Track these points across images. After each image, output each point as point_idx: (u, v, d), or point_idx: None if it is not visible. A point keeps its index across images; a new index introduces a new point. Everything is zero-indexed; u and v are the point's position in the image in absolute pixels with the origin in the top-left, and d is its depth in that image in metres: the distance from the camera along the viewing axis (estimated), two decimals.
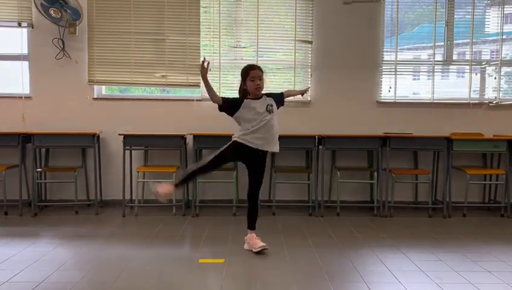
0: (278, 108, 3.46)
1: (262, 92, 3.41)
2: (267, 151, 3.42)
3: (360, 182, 4.96)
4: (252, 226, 3.48)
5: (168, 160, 4.87)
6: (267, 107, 3.36)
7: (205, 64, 3.23)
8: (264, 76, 3.40)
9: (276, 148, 3.42)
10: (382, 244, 3.62)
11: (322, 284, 2.76)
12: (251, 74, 3.33)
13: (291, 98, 3.80)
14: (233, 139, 3.40)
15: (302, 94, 3.76)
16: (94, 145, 4.61)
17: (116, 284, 2.73)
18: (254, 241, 3.38)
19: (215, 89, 4.94)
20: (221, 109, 3.39)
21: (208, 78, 3.29)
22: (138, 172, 4.67)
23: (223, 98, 3.40)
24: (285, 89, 3.83)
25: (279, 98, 3.51)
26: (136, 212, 4.62)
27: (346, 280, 2.85)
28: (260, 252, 3.30)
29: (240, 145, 3.35)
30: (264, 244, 3.33)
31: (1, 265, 3.04)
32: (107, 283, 2.74)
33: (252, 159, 3.43)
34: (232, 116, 3.39)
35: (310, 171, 4.70)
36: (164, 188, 3.41)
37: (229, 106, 3.37)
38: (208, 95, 3.39)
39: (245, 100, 3.36)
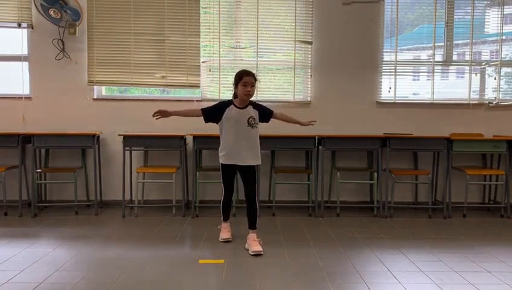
0: (261, 121, 3.50)
1: (252, 99, 3.48)
2: (248, 166, 3.46)
3: (360, 183, 4.96)
4: (252, 226, 3.50)
5: (168, 161, 4.88)
6: (248, 120, 3.40)
7: (158, 115, 3.41)
8: (256, 84, 3.45)
9: (253, 161, 3.46)
10: (382, 244, 3.62)
11: (322, 284, 2.76)
12: (244, 79, 3.37)
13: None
14: (220, 162, 3.54)
15: (303, 124, 3.72)
16: (94, 146, 4.60)
17: (116, 285, 2.73)
18: (251, 242, 3.40)
19: (213, 89, 5.01)
20: (206, 119, 3.48)
21: (173, 112, 3.47)
22: (138, 173, 4.67)
23: (204, 110, 3.46)
24: (279, 112, 3.67)
25: (265, 116, 3.54)
26: (135, 213, 4.62)
27: (346, 280, 2.85)
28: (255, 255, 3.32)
29: (224, 165, 3.50)
30: (259, 249, 3.32)
31: (1, 266, 3.04)
32: (107, 283, 2.74)
33: (240, 172, 3.54)
34: (217, 124, 3.47)
35: (309, 171, 4.69)
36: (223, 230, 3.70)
37: (212, 114, 3.45)
38: (190, 116, 3.56)
39: (228, 108, 3.41)
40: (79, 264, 3.11)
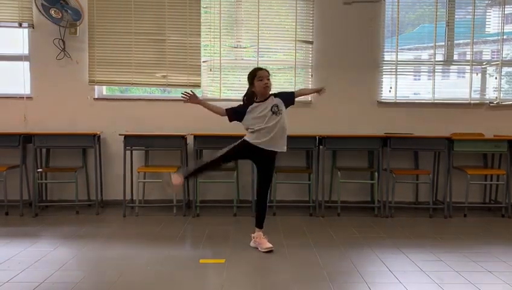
0: (287, 107, 3.48)
1: (272, 91, 3.47)
2: (275, 152, 3.44)
3: (361, 182, 4.96)
4: (259, 225, 3.52)
5: (169, 160, 4.87)
6: (272, 108, 3.40)
7: (188, 97, 3.45)
8: (270, 78, 3.46)
9: (282, 148, 3.45)
10: (383, 244, 3.62)
11: (322, 284, 2.76)
12: (258, 74, 3.40)
13: (301, 97, 3.81)
14: (244, 138, 3.45)
15: (319, 92, 3.72)
16: (95, 146, 4.61)
17: (116, 284, 2.73)
18: (261, 240, 3.43)
19: (214, 89, 5.00)
20: (231, 118, 3.48)
21: (203, 102, 3.51)
22: (139, 172, 4.67)
23: (228, 110, 3.47)
24: (298, 88, 3.89)
25: (288, 98, 3.53)
26: (136, 213, 4.63)
27: (347, 280, 2.85)
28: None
29: (249, 144, 3.40)
30: (271, 246, 3.37)
31: (2, 265, 3.04)
32: (108, 283, 2.75)
33: (260, 158, 3.47)
34: (241, 122, 3.46)
35: (310, 171, 4.69)
36: (178, 180, 3.41)
37: (235, 115, 3.47)
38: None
39: (249, 107, 3.41)
40: (80, 264, 3.11)
